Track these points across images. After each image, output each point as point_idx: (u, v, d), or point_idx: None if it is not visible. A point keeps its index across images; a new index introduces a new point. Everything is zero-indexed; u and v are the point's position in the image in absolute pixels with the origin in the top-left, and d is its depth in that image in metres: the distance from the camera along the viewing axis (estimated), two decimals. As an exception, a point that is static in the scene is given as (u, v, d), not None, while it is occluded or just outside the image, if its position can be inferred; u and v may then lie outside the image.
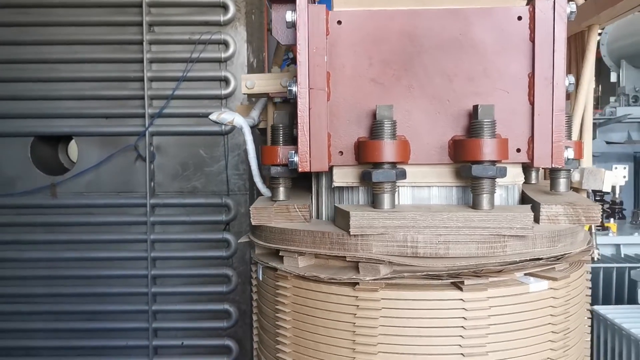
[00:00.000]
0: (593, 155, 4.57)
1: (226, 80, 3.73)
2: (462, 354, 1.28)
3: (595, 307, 2.78)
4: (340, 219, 1.38)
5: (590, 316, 1.59)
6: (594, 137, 4.96)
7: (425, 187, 1.43)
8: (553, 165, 1.37)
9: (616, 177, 1.80)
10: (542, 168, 1.58)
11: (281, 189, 1.56)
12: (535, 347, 1.33)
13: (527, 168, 1.70)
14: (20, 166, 3.84)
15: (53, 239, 3.90)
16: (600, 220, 3.82)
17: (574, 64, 1.99)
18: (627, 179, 4.01)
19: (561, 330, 1.37)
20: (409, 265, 1.30)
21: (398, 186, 1.41)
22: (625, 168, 3.93)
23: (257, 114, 1.98)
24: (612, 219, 3.87)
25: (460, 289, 1.28)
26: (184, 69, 3.70)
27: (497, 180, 1.36)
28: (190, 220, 3.93)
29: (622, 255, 3.49)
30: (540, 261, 1.33)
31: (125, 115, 3.81)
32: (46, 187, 3.84)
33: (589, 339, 1.60)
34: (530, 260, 1.32)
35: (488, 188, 1.32)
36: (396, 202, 1.42)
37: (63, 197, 3.87)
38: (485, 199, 1.33)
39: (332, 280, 1.34)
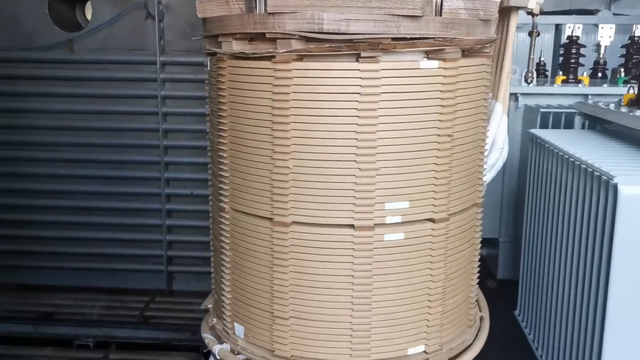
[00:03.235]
0: (598, 26, 4.55)
1: (229, -60, 3.85)
2: (357, 116, 1.53)
3: (531, 130, 2.96)
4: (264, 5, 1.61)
5: (486, 107, 1.81)
6: (610, 9, 4.98)
7: (343, -17, 1.63)
8: (451, -41, 1.55)
9: (541, -5, 1.96)
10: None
11: (226, -9, 1.78)
12: (422, 116, 1.57)
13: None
14: (38, 22, 4.11)
15: (73, 92, 4.23)
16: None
17: None
18: (612, 39, 4.05)
19: (450, 104, 1.59)
20: (316, 40, 1.53)
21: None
22: (611, 28, 3.95)
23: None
24: (585, 73, 3.96)
25: (358, 60, 1.51)
26: None
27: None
28: (198, 79, 4.19)
29: (590, 104, 3.64)
30: (430, 40, 1.54)
31: (135, -26, 4.01)
32: (63, 42, 4.13)
33: (493, 128, 1.83)
34: (421, 38, 1.53)
35: (389, -24, 1.52)
36: None
37: (80, 53, 4.16)
38: (386, -13, 1.53)
39: (255, 55, 1.59)
